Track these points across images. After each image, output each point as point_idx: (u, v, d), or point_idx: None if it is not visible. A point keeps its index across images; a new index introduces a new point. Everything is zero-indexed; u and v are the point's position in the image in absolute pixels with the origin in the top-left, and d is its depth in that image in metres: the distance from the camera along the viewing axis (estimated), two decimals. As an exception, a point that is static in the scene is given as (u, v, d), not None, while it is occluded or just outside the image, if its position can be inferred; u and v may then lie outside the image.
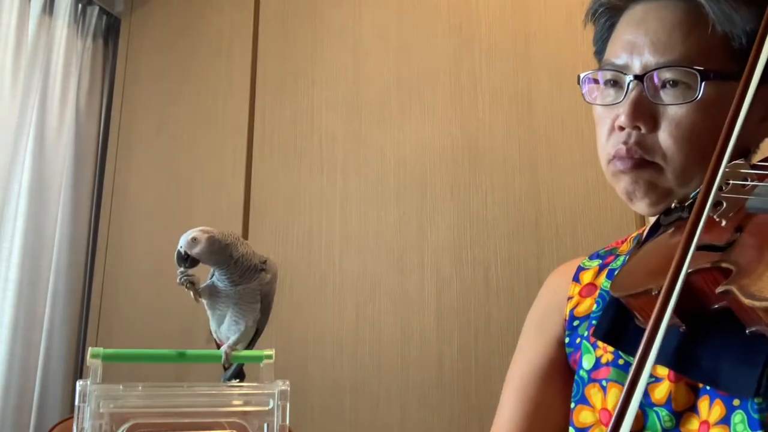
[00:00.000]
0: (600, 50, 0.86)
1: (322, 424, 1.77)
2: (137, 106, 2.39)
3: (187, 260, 1.01)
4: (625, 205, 0.84)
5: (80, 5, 2.41)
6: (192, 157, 2.21)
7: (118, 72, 2.47)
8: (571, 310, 0.83)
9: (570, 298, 0.84)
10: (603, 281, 0.82)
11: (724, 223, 0.62)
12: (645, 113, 0.76)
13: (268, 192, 2.05)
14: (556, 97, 1.67)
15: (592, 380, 0.75)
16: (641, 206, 0.79)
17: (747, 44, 0.74)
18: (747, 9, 0.74)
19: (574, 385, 0.78)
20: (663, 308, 0.57)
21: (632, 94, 0.76)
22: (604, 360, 0.74)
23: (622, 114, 0.76)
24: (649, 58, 0.76)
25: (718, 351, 0.60)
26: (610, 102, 0.79)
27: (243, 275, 1.02)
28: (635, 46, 0.77)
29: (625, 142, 0.77)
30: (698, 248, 0.59)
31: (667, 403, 0.67)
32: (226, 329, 1.03)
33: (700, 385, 0.66)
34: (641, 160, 0.76)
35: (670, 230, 0.71)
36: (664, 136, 0.75)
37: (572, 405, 0.77)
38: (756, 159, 0.78)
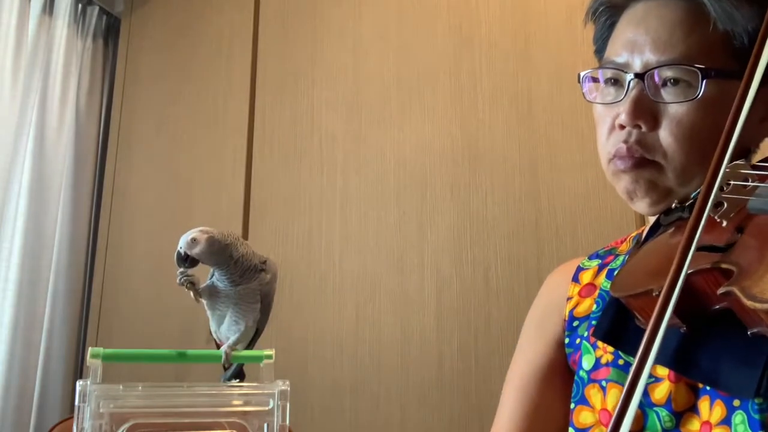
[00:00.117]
0: (600, 49, 0.86)
1: (322, 424, 1.77)
2: (137, 106, 2.39)
3: (186, 261, 1.01)
4: (625, 205, 0.84)
5: (80, 5, 2.41)
6: (192, 157, 2.21)
7: (118, 72, 2.47)
8: (571, 311, 0.83)
9: (569, 299, 0.84)
10: (602, 281, 0.82)
11: (724, 223, 0.62)
12: (646, 112, 0.75)
13: (268, 192, 2.05)
14: (556, 97, 1.67)
15: (591, 381, 0.75)
16: (642, 206, 0.79)
17: (748, 43, 0.73)
18: (748, 8, 0.74)
19: (574, 385, 0.78)
20: (663, 309, 0.57)
21: (633, 93, 0.76)
22: (603, 360, 0.74)
23: (622, 112, 0.76)
24: (650, 57, 0.76)
25: (719, 351, 0.60)
26: (611, 101, 0.79)
27: (243, 275, 1.02)
28: (636, 44, 0.77)
29: (626, 141, 0.76)
30: (699, 249, 0.59)
31: (667, 404, 0.67)
32: (226, 329, 1.03)
33: (700, 386, 0.65)
34: (642, 159, 0.76)
35: (671, 230, 0.71)
36: (665, 135, 0.75)
37: (572, 405, 0.77)
38: (756, 159, 0.78)
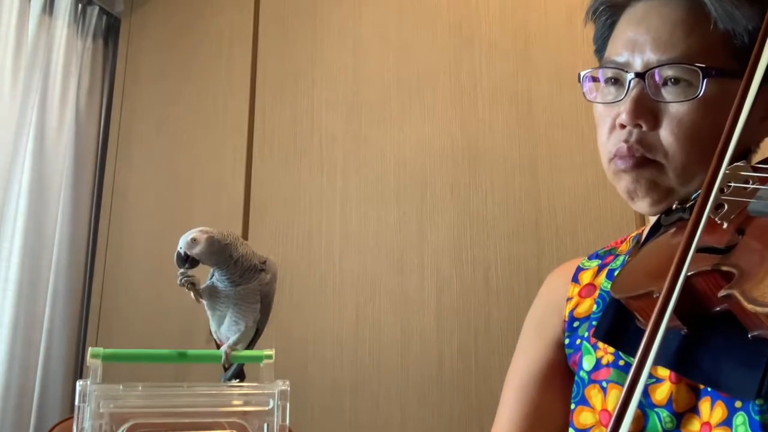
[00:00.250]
0: (600, 49, 0.85)
1: (322, 424, 1.77)
2: (137, 106, 2.39)
3: (186, 261, 1.01)
4: (625, 205, 0.84)
5: (80, 5, 2.41)
6: (192, 157, 2.21)
7: (118, 72, 2.47)
8: (571, 311, 0.83)
9: (569, 299, 0.84)
10: (603, 281, 0.82)
11: (725, 225, 0.62)
12: (646, 111, 0.75)
13: (268, 192, 2.04)
14: (556, 97, 1.67)
15: (592, 381, 0.75)
16: (642, 205, 0.79)
17: (749, 42, 0.73)
18: (749, 7, 0.74)
19: (574, 386, 0.78)
20: (663, 311, 0.57)
21: (633, 92, 0.75)
22: (604, 361, 0.74)
23: (623, 112, 0.76)
24: (651, 56, 0.76)
25: (719, 352, 0.60)
26: (611, 100, 0.79)
27: (243, 275, 1.02)
28: (636, 43, 0.77)
29: (627, 141, 0.76)
30: (699, 250, 0.59)
31: (668, 404, 0.67)
32: (226, 329, 1.03)
33: (701, 387, 0.65)
34: (642, 159, 0.76)
35: (671, 231, 0.71)
36: (666, 134, 0.75)
37: (572, 406, 0.77)
38: (756, 159, 0.78)
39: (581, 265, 0.88)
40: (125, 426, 0.81)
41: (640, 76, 0.76)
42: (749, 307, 0.53)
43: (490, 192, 1.70)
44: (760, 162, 0.69)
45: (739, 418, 0.61)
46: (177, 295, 1.19)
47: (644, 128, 0.76)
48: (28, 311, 2.12)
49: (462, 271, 1.69)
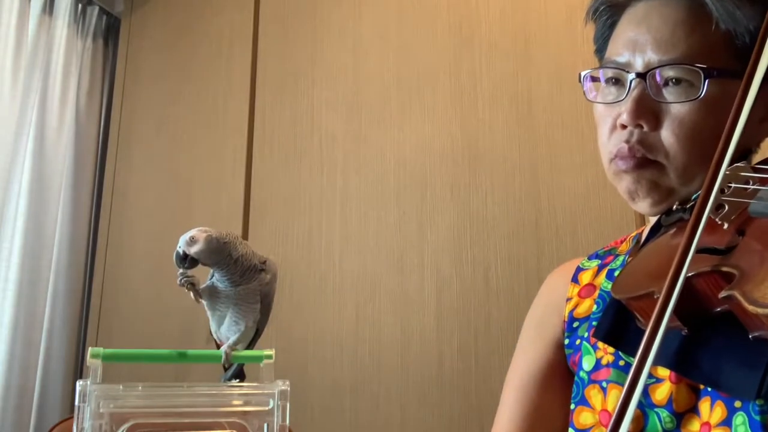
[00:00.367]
0: (601, 48, 0.85)
1: (322, 424, 1.77)
2: (137, 106, 2.39)
3: (186, 260, 1.01)
4: (625, 205, 0.84)
5: (80, 5, 2.41)
6: (192, 157, 2.21)
7: (118, 72, 2.47)
8: (570, 312, 0.83)
9: (569, 299, 0.84)
10: (602, 281, 0.82)
11: (725, 226, 0.62)
12: (647, 111, 0.75)
13: (268, 192, 2.04)
14: (556, 97, 1.67)
15: (592, 381, 0.75)
16: (643, 206, 0.79)
17: (750, 42, 0.73)
18: (750, 7, 0.74)
19: (574, 386, 0.78)
20: (663, 311, 0.57)
21: (634, 92, 0.75)
22: (604, 361, 0.74)
23: (624, 112, 0.76)
24: (652, 56, 0.75)
25: (720, 353, 0.60)
26: (612, 100, 0.79)
27: (243, 275, 1.02)
28: (637, 43, 0.77)
29: (627, 141, 0.76)
30: (699, 251, 0.59)
31: (668, 404, 0.67)
32: (226, 330, 1.03)
33: (701, 387, 0.65)
34: (643, 159, 0.76)
35: (672, 231, 0.71)
36: (667, 135, 0.75)
37: (572, 406, 0.77)
38: (756, 159, 0.78)
39: (581, 266, 0.88)
40: (125, 426, 0.81)
41: (641, 76, 0.75)
42: (750, 308, 0.53)
43: (490, 192, 1.70)
44: (760, 162, 0.69)
45: (739, 418, 0.61)
46: (177, 295, 1.19)
47: (645, 129, 0.75)
48: (28, 311, 2.12)
49: (462, 271, 1.69)
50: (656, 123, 0.75)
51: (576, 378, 0.78)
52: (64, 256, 2.24)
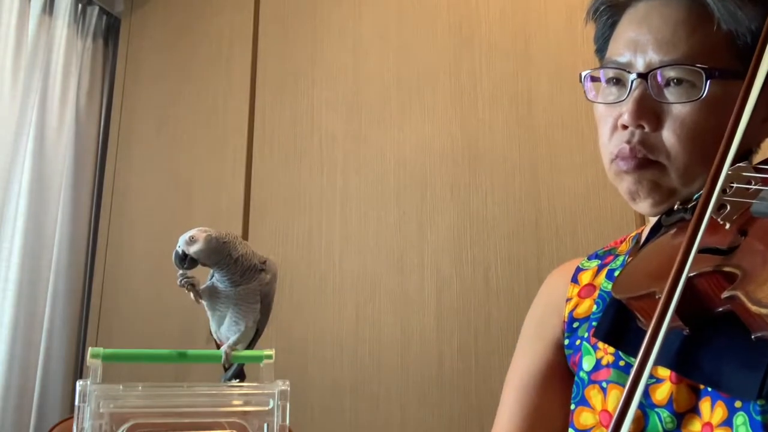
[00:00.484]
0: (601, 48, 0.85)
1: (322, 424, 1.77)
2: (137, 106, 2.39)
3: (185, 260, 1.01)
4: (625, 205, 0.83)
5: (80, 5, 2.41)
6: (192, 157, 2.21)
7: (118, 72, 2.47)
8: (570, 312, 0.83)
9: (569, 300, 0.84)
10: (602, 281, 0.82)
11: (727, 226, 0.62)
12: (649, 112, 0.75)
13: (268, 192, 2.04)
14: (556, 97, 1.67)
15: (592, 382, 0.75)
16: (644, 206, 0.78)
17: (751, 42, 0.73)
18: (752, 7, 0.74)
19: (574, 386, 0.77)
20: (664, 311, 0.57)
21: (636, 93, 0.75)
22: (604, 362, 0.74)
23: (625, 113, 0.75)
24: (653, 56, 0.75)
25: (720, 353, 0.60)
26: (613, 100, 0.79)
27: (243, 275, 1.02)
28: (638, 44, 0.77)
29: (629, 141, 0.76)
30: (701, 251, 0.59)
31: (669, 405, 0.67)
32: (226, 330, 1.03)
33: (702, 387, 0.65)
34: (645, 160, 0.75)
35: (672, 231, 0.71)
36: (668, 135, 0.74)
37: (572, 406, 0.77)
38: (757, 159, 0.78)
39: (580, 266, 0.87)
40: (125, 426, 0.81)
41: (642, 76, 0.75)
42: (753, 308, 0.53)
43: (490, 192, 1.70)
44: (762, 162, 0.69)
45: (740, 419, 0.61)
46: (177, 295, 1.19)
47: (646, 129, 0.75)
48: (28, 311, 2.12)
49: (462, 271, 1.69)
50: (657, 123, 0.75)
51: (576, 378, 0.78)
52: (64, 256, 2.24)
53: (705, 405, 0.64)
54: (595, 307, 0.80)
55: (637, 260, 0.72)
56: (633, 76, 0.76)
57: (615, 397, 0.72)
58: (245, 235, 2.03)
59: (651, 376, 0.67)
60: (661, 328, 0.56)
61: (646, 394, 0.68)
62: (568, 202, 1.60)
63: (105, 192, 2.36)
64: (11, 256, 2.10)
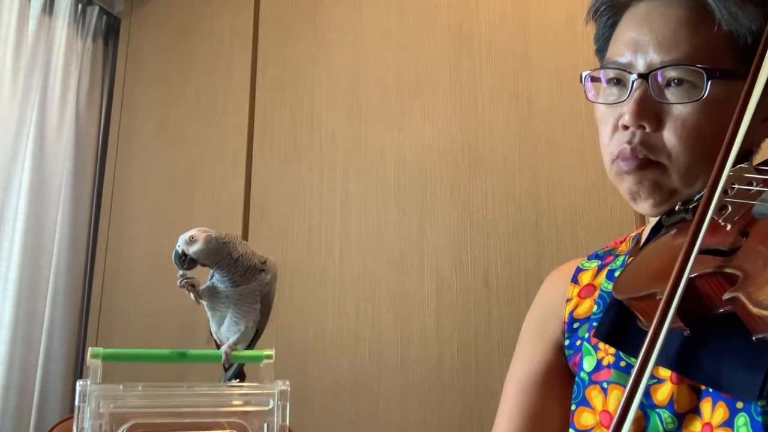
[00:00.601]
0: (601, 48, 0.85)
1: (322, 424, 1.77)
2: (137, 106, 2.38)
3: (185, 260, 1.01)
4: (625, 205, 0.83)
5: (80, 5, 2.41)
6: (192, 157, 2.21)
7: (118, 72, 2.47)
8: (571, 312, 0.83)
9: (569, 300, 0.84)
10: (602, 282, 0.82)
11: (728, 227, 0.62)
12: (650, 112, 0.75)
13: (268, 192, 2.04)
14: (556, 97, 1.67)
15: (592, 382, 0.75)
16: (645, 207, 0.78)
17: (752, 43, 0.73)
18: (753, 8, 0.74)
19: (575, 386, 0.77)
20: (665, 312, 0.57)
21: (637, 93, 0.75)
22: (605, 362, 0.74)
23: (626, 113, 0.75)
24: (654, 57, 0.75)
25: (721, 353, 0.60)
26: (614, 101, 0.78)
27: (243, 275, 1.02)
28: (639, 44, 0.77)
29: (630, 142, 0.76)
30: (702, 252, 0.59)
31: (670, 405, 0.67)
32: (226, 330, 1.03)
33: (703, 387, 0.65)
34: (646, 160, 0.75)
35: (673, 232, 0.71)
36: (669, 135, 0.74)
37: (573, 407, 0.77)
38: (757, 160, 0.77)
39: (580, 266, 0.87)
40: (125, 426, 0.81)
41: (643, 77, 0.75)
42: (755, 310, 0.53)
43: (490, 192, 1.70)
44: (762, 163, 0.69)
45: (741, 419, 0.61)
46: (177, 295, 1.19)
47: (647, 129, 0.75)
48: (28, 311, 2.12)
49: (462, 271, 1.69)
50: (658, 124, 0.75)
51: (576, 379, 0.77)
52: (64, 256, 2.24)
53: (706, 405, 0.64)
54: (595, 307, 0.80)
55: (638, 261, 0.71)
56: (634, 76, 0.76)
57: (616, 398, 0.72)
58: (245, 235, 2.03)
59: (652, 377, 0.67)
60: (662, 328, 0.56)
61: (647, 394, 0.68)
62: (568, 202, 1.60)
63: (105, 192, 2.36)
64: (11, 256, 2.10)
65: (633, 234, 0.89)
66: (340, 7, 2.05)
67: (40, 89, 2.24)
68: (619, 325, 0.69)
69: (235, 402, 0.86)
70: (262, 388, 0.86)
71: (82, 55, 2.40)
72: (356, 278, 1.83)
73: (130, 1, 2.49)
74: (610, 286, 0.80)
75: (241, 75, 2.17)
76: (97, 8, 2.46)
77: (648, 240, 0.77)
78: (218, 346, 1.04)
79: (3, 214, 2.08)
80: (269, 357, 0.90)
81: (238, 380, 1.01)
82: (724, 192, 0.62)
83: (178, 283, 1.01)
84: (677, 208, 0.73)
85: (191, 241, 1.00)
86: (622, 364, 0.72)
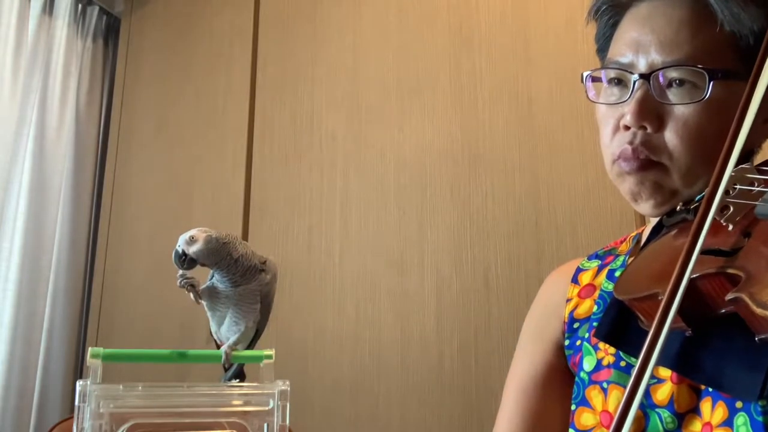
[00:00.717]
0: (602, 48, 0.85)
1: (322, 424, 1.77)
2: (137, 106, 2.38)
3: (185, 260, 1.01)
4: (626, 205, 0.83)
5: (80, 5, 2.41)
6: (192, 157, 2.21)
7: (118, 72, 2.46)
8: (571, 312, 0.83)
9: (569, 300, 0.84)
10: (603, 282, 0.82)
11: (730, 227, 0.61)
12: (651, 113, 0.75)
13: (268, 192, 2.04)
14: (556, 97, 1.67)
15: (593, 382, 0.75)
16: (646, 207, 0.78)
17: (754, 44, 0.73)
18: (755, 8, 0.73)
19: (575, 386, 0.77)
20: (667, 312, 0.57)
21: (638, 94, 0.75)
22: (605, 362, 0.74)
23: (627, 113, 0.75)
24: (656, 57, 0.75)
25: (722, 354, 0.60)
26: (615, 101, 0.78)
27: (243, 276, 1.02)
28: (641, 44, 0.76)
29: (631, 142, 0.76)
30: (704, 252, 0.59)
31: (670, 405, 0.67)
32: (226, 330, 1.03)
33: (702, 387, 0.65)
34: (647, 161, 0.75)
35: (674, 232, 0.70)
36: (671, 136, 0.74)
37: (573, 407, 0.77)
38: (758, 160, 0.77)
39: (581, 266, 0.87)
40: (125, 426, 0.81)
41: (644, 77, 0.75)
42: (758, 311, 0.53)
43: (490, 192, 1.70)
44: (763, 164, 0.69)
45: (741, 419, 0.61)
46: (177, 295, 1.19)
47: (649, 130, 0.75)
48: (28, 311, 2.12)
49: (462, 271, 1.69)
50: (660, 124, 0.75)
51: (576, 379, 0.77)
52: (64, 256, 2.24)
53: (706, 405, 0.64)
54: (595, 307, 0.80)
55: (639, 261, 0.71)
56: (635, 76, 0.76)
57: (616, 398, 0.72)
58: (245, 235, 2.03)
59: (652, 377, 0.67)
60: (663, 329, 0.56)
61: (647, 394, 0.68)
62: (568, 202, 1.60)
63: (105, 192, 2.36)
64: (11, 256, 2.10)
65: (633, 234, 0.89)
66: (340, 7, 2.05)
67: (40, 89, 2.24)
68: (620, 325, 0.69)
69: (235, 402, 0.86)
70: (262, 388, 0.86)
71: (82, 55, 2.40)
72: (356, 278, 1.83)
73: (130, 1, 2.49)
74: (610, 286, 0.79)
75: (241, 75, 2.17)
76: (97, 8, 2.46)
77: (649, 240, 0.77)
78: (218, 346, 1.04)
79: (3, 214, 2.08)
80: (269, 357, 0.90)
81: (238, 380, 1.01)
82: (726, 192, 0.62)
83: (178, 283, 1.01)
84: (678, 208, 0.73)
85: (191, 241, 1.00)
86: (622, 364, 0.72)
